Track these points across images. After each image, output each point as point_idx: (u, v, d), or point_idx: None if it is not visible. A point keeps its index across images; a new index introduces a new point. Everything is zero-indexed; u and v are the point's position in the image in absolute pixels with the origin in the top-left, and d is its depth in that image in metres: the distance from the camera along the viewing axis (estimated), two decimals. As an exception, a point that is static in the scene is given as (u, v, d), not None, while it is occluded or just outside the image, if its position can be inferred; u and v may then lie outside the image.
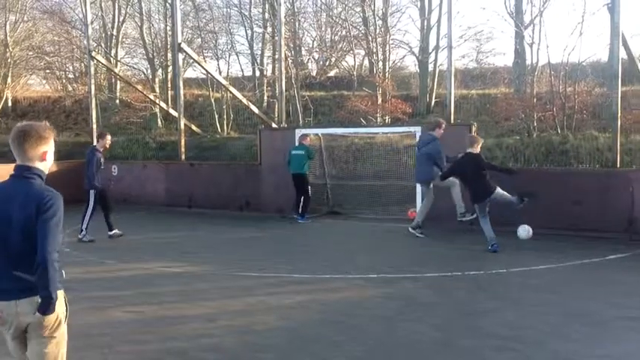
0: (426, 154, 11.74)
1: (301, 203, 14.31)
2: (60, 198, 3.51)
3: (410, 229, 11.85)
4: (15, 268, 3.45)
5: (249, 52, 28.06)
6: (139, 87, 23.74)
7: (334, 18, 28.80)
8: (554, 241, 10.51)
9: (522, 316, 6.84)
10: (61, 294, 3.58)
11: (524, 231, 10.31)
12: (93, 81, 20.23)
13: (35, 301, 3.45)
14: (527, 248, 10.29)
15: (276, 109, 20.32)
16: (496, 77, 24.50)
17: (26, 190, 3.48)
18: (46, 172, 3.64)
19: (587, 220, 10.81)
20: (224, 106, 23.66)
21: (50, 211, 3.42)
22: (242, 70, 29.19)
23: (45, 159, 3.62)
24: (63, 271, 3.55)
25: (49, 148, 3.63)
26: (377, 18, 25.52)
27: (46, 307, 3.44)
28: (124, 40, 30.05)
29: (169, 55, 26.03)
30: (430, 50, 24.79)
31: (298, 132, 15.04)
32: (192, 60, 23.07)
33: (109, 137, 12.55)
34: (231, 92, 20.48)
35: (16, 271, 3.45)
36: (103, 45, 28.42)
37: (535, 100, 18.22)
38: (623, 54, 13.35)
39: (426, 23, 25.01)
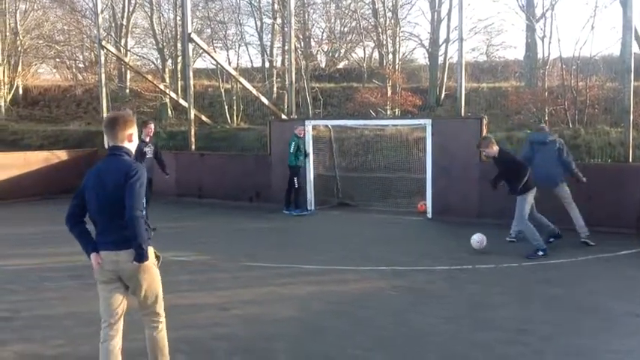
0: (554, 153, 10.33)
1: (292, 196, 14.32)
2: (144, 169, 4.43)
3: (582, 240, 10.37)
4: (115, 226, 4.32)
5: (258, 43, 28.04)
6: (149, 77, 23.76)
7: (344, 9, 28.71)
8: (566, 237, 10.45)
9: (533, 310, 6.85)
10: (150, 249, 4.45)
11: (478, 242, 9.89)
12: (103, 70, 20.25)
13: (132, 252, 4.30)
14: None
15: (286, 101, 20.31)
16: (507, 70, 24.42)
17: (118, 164, 4.39)
18: (133, 152, 4.54)
19: (599, 216, 10.76)
20: (234, 97, 23.66)
21: (135, 176, 4.28)
22: (251, 61, 29.20)
23: (131, 140, 4.52)
24: (152, 232, 4.50)
25: (133, 130, 4.52)
26: (387, 10, 25.42)
27: (140, 256, 4.29)
28: (134, 29, 30.05)
29: (179, 45, 26.02)
30: (440, 43, 24.70)
31: (308, 123, 15.03)
32: (202, 50, 23.06)
33: (151, 125, 12.29)
34: (240, 83, 20.48)
35: (117, 228, 4.30)
36: (112, 34, 28.40)
37: (546, 94, 18.14)
38: (635, 48, 13.33)
39: (436, 16, 24.90)
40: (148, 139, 12.04)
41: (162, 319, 4.74)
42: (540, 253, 9.39)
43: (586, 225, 10.20)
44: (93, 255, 4.43)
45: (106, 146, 15.70)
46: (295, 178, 14.18)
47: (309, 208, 14.64)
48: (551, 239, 9.96)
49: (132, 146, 4.54)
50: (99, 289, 4.57)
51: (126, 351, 4.74)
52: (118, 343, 4.58)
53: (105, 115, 19.55)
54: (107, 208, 4.36)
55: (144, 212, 4.33)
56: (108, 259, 4.40)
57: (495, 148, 9.65)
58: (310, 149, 14.82)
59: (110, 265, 4.41)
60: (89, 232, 4.51)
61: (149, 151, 12.02)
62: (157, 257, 4.65)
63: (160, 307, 4.70)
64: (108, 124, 4.50)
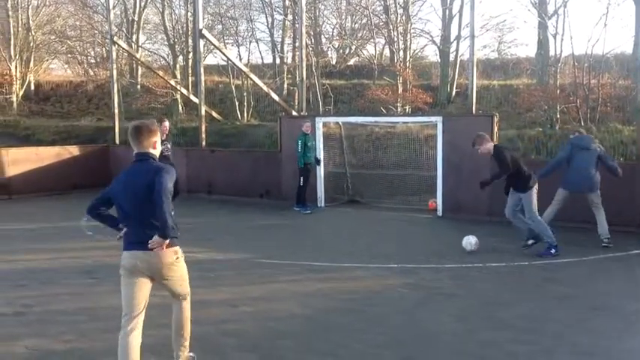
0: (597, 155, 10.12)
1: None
2: (172, 168, 4.74)
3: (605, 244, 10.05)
4: (145, 227, 4.54)
5: (269, 39, 28.07)
6: (160, 73, 23.82)
7: (355, 6, 28.67)
8: (577, 235, 10.44)
9: (543, 308, 6.82)
10: (178, 249, 4.79)
11: (470, 243, 9.73)
12: (114, 66, 20.32)
13: (162, 253, 4.60)
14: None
15: (297, 97, 20.30)
16: (518, 68, 24.30)
17: (146, 168, 4.64)
18: (157, 157, 4.81)
19: (611, 214, 10.67)
20: (244, 93, 23.68)
21: (164, 173, 4.55)
22: (262, 58, 29.30)
23: (155, 147, 4.81)
24: (178, 232, 4.73)
25: (157, 138, 4.82)
26: (398, 6, 25.35)
27: (163, 231, 4.46)
28: (145, 25, 30.16)
29: (190, 41, 26.07)
30: (452, 40, 24.63)
31: (318, 120, 15.03)
32: (213, 46, 23.10)
33: (166, 123, 11.96)
34: (251, 79, 20.50)
35: (147, 229, 4.52)
36: (124, 30, 28.52)
37: (558, 91, 18.03)
38: (649, 46, 13.19)
39: (447, 12, 24.83)
40: (164, 137, 11.95)
41: (189, 296, 5.12)
42: (553, 250, 9.32)
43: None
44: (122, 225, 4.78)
45: (116, 141, 15.72)
46: (302, 177, 14.16)
47: (318, 204, 14.65)
48: (531, 241, 9.65)
49: (156, 152, 4.83)
50: (122, 282, 4.73)
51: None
52: (138, 336, 4.70)
53: (115, 110, 19.74)
54: (137, 209, 4.60)
55: (172, 213, 4.54)
56: (141, 259, 4.64)
57: (490, 145, 9.46)
58: (320, 149, 14.78)
59: (143, 263, 4.65)
60: (112, 215, 4.86)
61: (166, 149, 11.92)
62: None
63: (188, 289, 5.08)
64: (133, 133, 4.74)
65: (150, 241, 4.52)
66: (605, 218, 10.08)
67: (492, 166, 9.87)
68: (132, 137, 4.75)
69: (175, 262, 4.77)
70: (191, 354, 5.20)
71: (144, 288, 4.73)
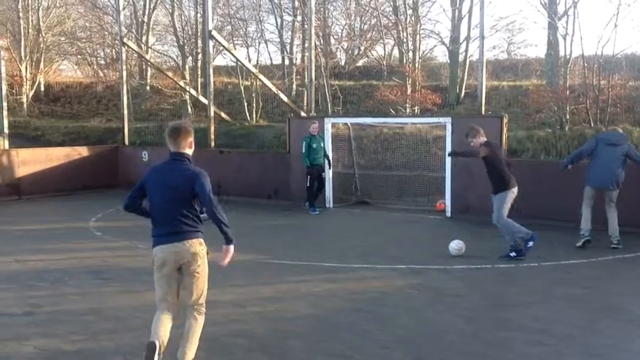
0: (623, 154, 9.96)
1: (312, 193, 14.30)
2: (206, 173, 4.99)
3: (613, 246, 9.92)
4: (174, 221, 4.85)
5: (278, 40, 28.10)
6: (170, 74, 23.86)
7: (364, 7, 28.66)
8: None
9: (553, 310, 6.79)
10: (202, 241, 5.07)
11: (456, 248, 9.58)
12: (124, 67, 20.37)
13: (190, 243, 4.91)
14: (559, 243, 10.19)
15: (305, 98, 20.30)
16: (528, 69, 24.23)
17: (182, 169, 4.90)
18: (191, 157, 5.04)
19: (621, 216, 10.62)
20: (253, 94, 23.69)
21: (203, 179, 4.88)
22: (271, 59, 29.28)
23: (191, 147, 5.05)
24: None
25: (192, 138, 5.06)
26: (407, 7, 25.30)
27: (226, 239, 5.09)
28: (155, 26, 30.21)
29: (200, 42, 26.12)
30: (461, 40, 24.56)
31: (327, 121, 15.02)
32: (222, 47, 23.12)
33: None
34: (260, 80, 20.51)
35: (176, 223, 4.85)
36: (134, 31, 28.60)
37: (568, 92, 17.96)
38: (660, 47, 13.08)
39: (457, 13, 24.76)
40: None
41: (204, 310, 5.13)
42: (530, 243, 9.10)
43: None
44: None
45: (125, 142, 15.85)
46: (309, 177, 14.12)
47: (327, 205, 14.64)
48: (513, 253, 9.18)
49: (191, 152, 5.05)
50: (155, 275, 4.97)
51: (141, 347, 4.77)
52: (169, 318, 4.91)
53: (125, 111, 19.78)
54: (167, 205, 4.86)
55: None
56: (169, 251, 4.86)
57: (482, 139, 9.34)
58: (329, 150, 14.75)
59: (171, 255, 4.87)
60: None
61: None
62: (207, 252, 5.14)
63: (204, 300, 5.12)
64: (172, 134, 4.95)
65: (223, 262, 5.02)
66: (616, 219, 10.01)
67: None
68: (170, 137, 4.94)
69: (201, 252, 4.97)
70: None
71: (174, 281, 4.95)
